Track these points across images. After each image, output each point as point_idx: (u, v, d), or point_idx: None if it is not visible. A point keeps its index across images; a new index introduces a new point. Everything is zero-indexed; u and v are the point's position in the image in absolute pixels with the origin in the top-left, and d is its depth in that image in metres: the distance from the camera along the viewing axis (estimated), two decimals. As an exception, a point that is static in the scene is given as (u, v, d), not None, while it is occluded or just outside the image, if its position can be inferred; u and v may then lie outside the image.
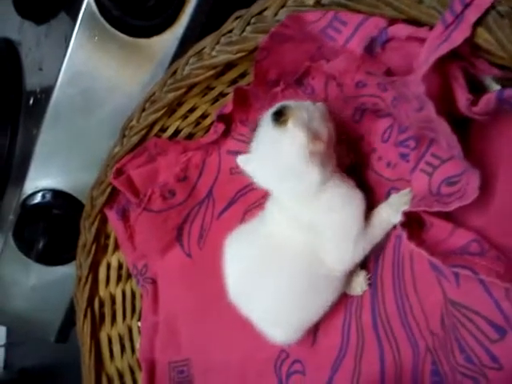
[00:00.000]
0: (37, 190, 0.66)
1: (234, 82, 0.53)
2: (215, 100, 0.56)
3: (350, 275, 0.48)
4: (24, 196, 0.66)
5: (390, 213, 0.44)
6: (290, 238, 0.46)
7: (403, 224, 0.40)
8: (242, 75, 0.52)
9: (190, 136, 0.60)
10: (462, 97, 0.35)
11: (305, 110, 0.43)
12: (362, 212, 0.44)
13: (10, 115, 0.70)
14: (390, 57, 0.39)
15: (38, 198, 0.66)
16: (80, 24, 0.59)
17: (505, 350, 0.37)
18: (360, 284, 0.48)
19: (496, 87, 0.35)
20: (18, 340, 0.90)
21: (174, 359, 0.63)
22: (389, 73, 0.39)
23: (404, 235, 0.39)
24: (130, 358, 0.65)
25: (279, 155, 0.44)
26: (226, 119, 0.56)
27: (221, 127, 0.56)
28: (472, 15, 0.32)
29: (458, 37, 0.32)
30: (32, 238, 0.66)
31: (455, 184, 0.39)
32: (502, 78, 0.36)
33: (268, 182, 0.47)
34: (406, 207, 0.43)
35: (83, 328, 0.63)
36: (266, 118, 0.45)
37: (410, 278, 0.43)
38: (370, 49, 0.39)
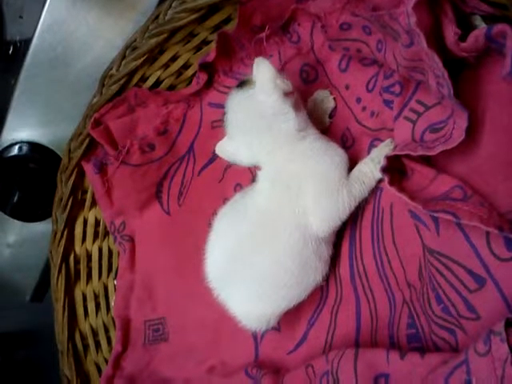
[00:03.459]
0: (13, 141, 0.64)
1: (217, 27, 0.51)
2: (198, 48, 0.54)
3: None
4: (0, 148, 0.64)
5: (373, 167, 0.43)
6: (279, 213, 0.44)
7: (384, 169, 0.38)
8: (226, 20, 0.51)
9: (171, 87, 0.58)
10: (451, 32, 0.34)
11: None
12: (343, 167, 0.43)
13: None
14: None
15: (14, 151, 0.64)
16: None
17: (483, 299, 0.36)
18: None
19: (483, 24, 0.34)
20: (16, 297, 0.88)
21: (150, 317, 0.61)
22: (376, 9, 0.37)
23: (385, 180, 0.37)
24: (104, 315, 0.64)
25: (254, 109, 0.44)
26: (209, 69, 0.54)
27: (203, 77, 0.54)
28: None
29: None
30: (7, 191, 0.64)
31: (440, 130, 0.38)
32: (491, 18, 0.34)
33: (248, 149, 0.46)
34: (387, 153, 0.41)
35: (57, 284, 0.62)
36: (232, 96, 0.46)
37: (389, 231, 0.42)
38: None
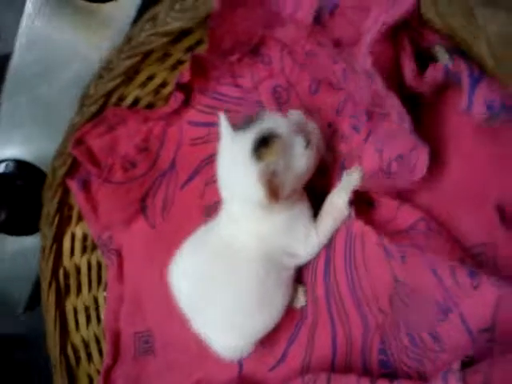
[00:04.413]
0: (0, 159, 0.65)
1: (190, 48, 0.51)
2: (173, 67, 0.54)
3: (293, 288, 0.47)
4: (-14, 166, 0.65)
5: (344, 197, 0.43)
6: (243, 244, 0.45)
7: (351, 202, 0.39)
8: (199, 42, 0.51)
9: (150, 106, 0.58)
10: (409, 68, 0.33)
11: (283, 149, 0.41)
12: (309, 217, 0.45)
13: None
14: (338, 25, 0.37)
15: (0, 169, 0.65)
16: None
17: (448, 330, 0.36)
18: (299, 297, 0.48)
19: (445, 56, 0.34)
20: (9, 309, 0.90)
21: (139, 330, 0.62)
22: (338, 43, 0.37)
23: (352, 214, 0.38)
24: (95, 327, 0.65)
25: (236, 169, 0.43)
26: (186, 88, 0.54)
27: (180, 96, 0.54)
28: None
29: (402, 7, 0.31)
30: (-6, 208, 0.65)
31: (404, 160, 0.38)
32: (450, 48, 0.34)
33: (224, 188, 0.45)
34: (355, 187, 0.42)
35: (48, 299, 0.63)
36: (243, 131, 0.43)
37: (361, 256, 0.43)
38: (318, 18, 0.37)
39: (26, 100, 0.62)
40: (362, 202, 0.40)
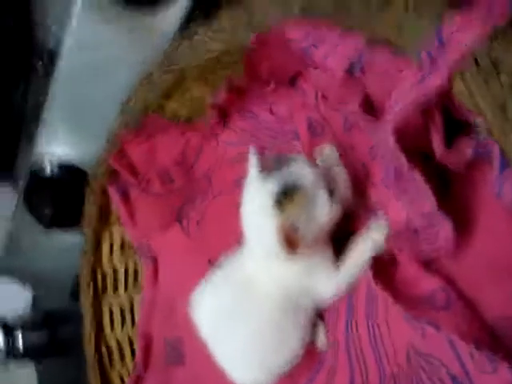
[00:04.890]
0: (45, 157, 0.66)
1: (228, 68, 0.49)
2: (211, 84, 0.52)
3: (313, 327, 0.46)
4: (32, 163, 0.66)
5: (368, 244, 0.41)
6: (263, 283, 0.44)
7: (371, 265, 0.37)
8: (236, 62, 0.48)
9: (188, 119, 0.57)
10: (437, 141, 0.31)
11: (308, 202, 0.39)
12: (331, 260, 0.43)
13: (22, 75, 0.70)
14: (370, 79, 0.34)
15: (45, 167, 0.66)
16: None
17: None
18: (321, 338, 0.47)
19: (482, 131, 0.31)
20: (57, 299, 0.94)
21: (170, 335, 0.63)
22: (367, 98, 0.35)
23: (371, 278, 0.36)
24: (129, 329, 0.66)
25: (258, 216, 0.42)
26: (222, 108, 0.53)
27: (216, 115, 0.53)
28: (449, 59, 0.27)
29: (432, 82, 0.28)
30: (40, 205, 0.67)
31: (431, 222, 0.36)
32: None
33: (245, 226, 0.44)
34: (382, 240, 0.40)
35: (86, 298, 0.65)
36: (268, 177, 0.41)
37: (383, 315, 0.41)
38: (350, 71, 0.34)
39: (70, 102, 0.63)
40: (384, 260, 0.38)
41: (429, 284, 0.37)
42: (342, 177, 0.43)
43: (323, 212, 0.40)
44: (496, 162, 0.29)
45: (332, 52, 0.35)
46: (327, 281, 0.44)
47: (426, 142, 0.33)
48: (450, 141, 0.33)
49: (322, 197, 0.40)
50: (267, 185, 0.40)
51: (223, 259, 0.49)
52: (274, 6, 0.40)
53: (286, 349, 0.45)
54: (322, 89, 0.40)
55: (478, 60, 0.28)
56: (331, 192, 0.41)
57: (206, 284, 0.49)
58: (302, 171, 0.40)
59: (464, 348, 0.33)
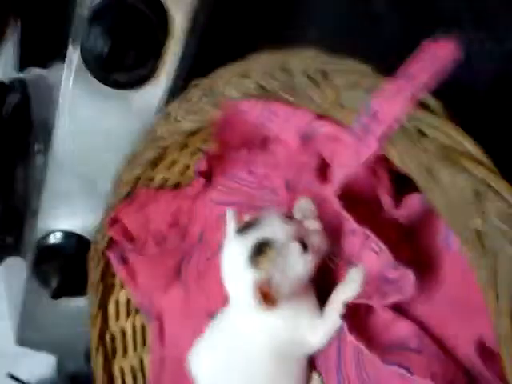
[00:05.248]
0: (49, 231, 0.71)
1: (206, 139, 0.53)
2: (193, 154, 0.57)
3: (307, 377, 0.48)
4: (38, 237, 0.71)
5: (347, 293, 0.43)
6: (252, 335, 0.47)
7: (344, 315, 0.39)
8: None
9: (177, 184, 0.61)
10: (386, 199, 0.34)
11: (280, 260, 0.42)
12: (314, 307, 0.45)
13: (23, 157, 0.75)
14: (322, 148, 0.38)
15: (50, 239, 0.70)
16: (70, 79, 0.61)
17: None
18: None
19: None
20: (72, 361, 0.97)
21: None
22: (323, 162, 0.38)
23: (345, 328, 0.39)
24: (141, 389, 0.69)
25: (235, 273, 0.45)
26: (206, 173, 0.57)
27: (200, 181, 0.57)
28: (378, 129, 0.31)
29: (366, 151, 0.31)
30: (48, 275, 0.71)
31: (399, 270, 0.38)
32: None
33: (226, 282, 0.48)
34: (358, 285, 0.42)
35: (96, 362, 0.68)
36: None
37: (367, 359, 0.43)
38: (303, 140, 0.38)
39: (68, 179, 0.67)
40: (358, 307, 0.41)
41: (401, 329, 0.39)
42: (315, 228, 0.45)
43: (297, 265, 0.43)
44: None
45: (286, 125, 0.39)
46: (313, 329, 0.46)
47: (375, 197, 0.36)
48: (400, 193, 0.36)
49: (295, 250, 0.42)
50: (241, 242, 0.43)
51: (217, 313, 0.52)
52: (235, 81, 0.44)
53: None
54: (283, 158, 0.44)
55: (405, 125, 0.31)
56: (304, 244, 0.43)
57: (202, 339, 0.52)
58: (273, 227, 0.43)
59: None
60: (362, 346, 0.38)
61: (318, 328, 0.46)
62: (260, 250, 0.42)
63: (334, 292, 0.46)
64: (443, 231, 0.32)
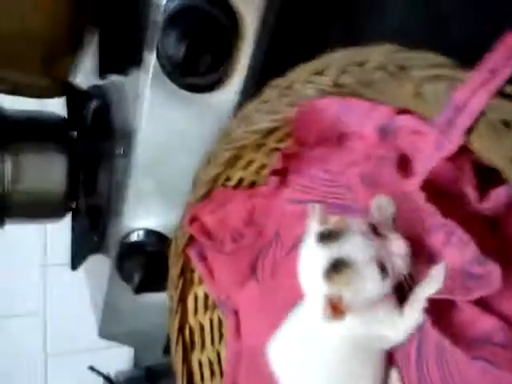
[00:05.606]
0: (132, 229, 0.75)
1: (281, 139, 0.55)
2: (269, 154, 0.58)
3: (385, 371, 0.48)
4: (121, 235, 0.75)
5: (427, 291, 0.43)
6: (328, 330, 0.47)
7: (427, 309, 0.39)
8: (289, 134, 0.54)
9: (253, 183, 0.63)
10: (470, 192, 0.34)
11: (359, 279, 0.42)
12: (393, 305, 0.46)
13: (104, 160, 0.79)
14: (403, 143, 0.38)
15: (133, 237, 0.74)
16: (150, 84, 0.64)
17: None
18: (394, 380, 0.49)
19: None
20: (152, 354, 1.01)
21: (257, 387, 0.67)
22: (404, 157, 0.39)
23: (428, 322, 0.39)
24: (218, 381, 0.71)
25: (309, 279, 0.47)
26: (282, 171, 0.58)
27: (275, 180, 0.58)
28: (464, 122, 0.31)
29: (451, 144, 0.31)
30: (131, 271, 0.75)
31: (484, 265, 0.38)
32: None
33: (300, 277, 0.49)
34: (440, 283, 0.42)
35: (176, 354, 0.71)
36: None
37: (451, 354, 0.43)
38: (383, 135, 0.38)
39: (149, 180, 0.71)
40: (441, 303, 0.41)
41: (485, 324, 0.38)
42: (400, 252, 0.44)
43: (373, 288, 0.43)
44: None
45: (365, 120, 0.39)
46: (392, 326, 0.46)
47: (458, 190, 0.36)
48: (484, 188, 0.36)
49: (373, 273, 0.42)
50: (321, 252, 0.44)
51: (293, 311, 0.54)
52: (311, 79, 0.46)
53: None
54: (362, 149, 0.44)
55: (489, 117, 0.32)
56: (384, 267, 0.42)
57: (280, 332, 0.53)
58: (356, 245, 0.43)
59: None
60: (446, 341, 0.38)
61: (397, 324, 0.46)
62: (337, 268, 0.42)
63: (415, 289, 0.46)
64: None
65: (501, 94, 0.31)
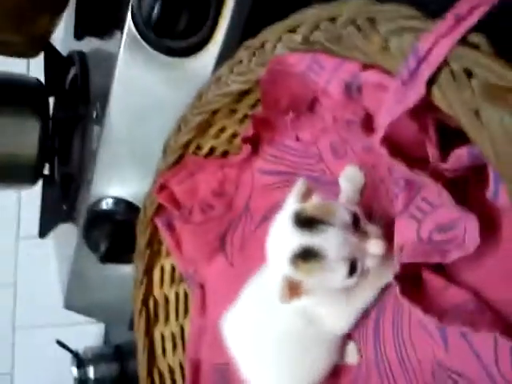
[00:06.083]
0: (101, 197, 0.73)
1: (254, 105, 0.54)
2: (241, 121, 0.57)
3: (341, 345, 0.48)
4: (90, 202, 0.73)
5: (380, 273, 0.43)
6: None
7: (397, 277, 0.38)
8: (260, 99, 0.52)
9: (225, 153, 0.62)
10: (432, 152, 0.33)
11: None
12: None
13: (80, 127, 0.77)
14: (368, 100, 0.37)
15: (102, 205, 0.72)
16: (123, 46, 0.62)
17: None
18: (351, 353, 0.48)
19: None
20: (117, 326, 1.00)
21: (218, 361, 0.66)
22: (368, 116, 0.37)
23: (397, 290, 0.38)
24: (181, 355, 0.70)
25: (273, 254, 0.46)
26: (254, 140, 0.57)
27: (248, 148, 0.57)
28: (426, 72, 0.30)
29: (413, 96, 0.30)
30: (97, 240, 0.73)
31: (448, 231, 0.37)
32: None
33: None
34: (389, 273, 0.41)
35: (138, 325, 0.69)
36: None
37: (408, 332, 0.42)
38: (348, 93, 0.37)
39: (120, 146, 0.69)
40: (408, 277, 0.39)
41: (457, 295, 0.37)
42: (376, 250, 0.41)
43: (336, 283, 0.42)
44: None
45: (332, 77, 0.38)
46: (337, 317, 0.46)
47: (422, 151, 0.35)
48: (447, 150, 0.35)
49: (341, 271, 0.40)
50: (292, 237, 0.42)
51: (253, 278, 0.52)
52: (283, 38, 0.44)
53: (310, 363, 0.47)
54: (331, 108, 0.43)
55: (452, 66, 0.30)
56: (354, 266, 0.41)
57: (235, 305, 0.52)
58: (330, 241, 0.40)
59: (489, 357, 0.34)
60: (416, 308, 0.36)
61: (341, 317, 0.46)
62: (306, 257, 0.41)
63: (364, 281, 0.44)
64: (492, 186, 0.31)
65: (465, 42, 0.30)
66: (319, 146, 0.51)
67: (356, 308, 0.45)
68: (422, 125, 0.33)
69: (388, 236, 0.44)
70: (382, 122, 0.32)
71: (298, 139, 0.54)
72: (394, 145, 0.33)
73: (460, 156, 0.32)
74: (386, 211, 0.46)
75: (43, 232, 0.84)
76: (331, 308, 0.45)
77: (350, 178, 0.49)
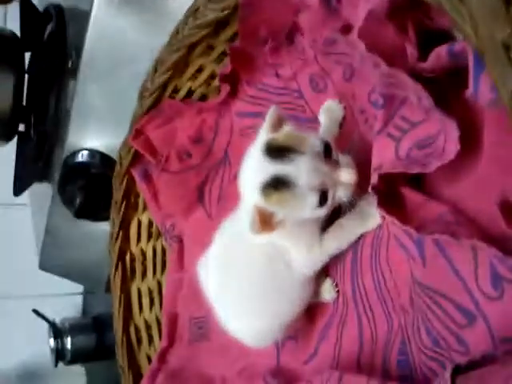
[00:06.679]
0: (76, 149, 0.70)
1: (231, 39, 0.52)
2: (219, 60, 0.55)
3: (317, 282, 0.47)
4: (65, 155, 0.71)
5: (358, 223, 0.42)
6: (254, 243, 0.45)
7: (375, 187, 0.37)
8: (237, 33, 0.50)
9: (204, 97, 0.60)
10: (411, 51, 0.31)
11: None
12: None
13: (57, 80, 0.75)
14: (347, 9, 0.35)
15: (77, 158, 0.70)
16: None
17: (473, 335, 0.34)
18: (328, 290, 0.47)
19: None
20: (94, 289, 0.97)
21: (195, 315, 0.64)
22: (348, 26, 0.36)
23: (375, 200, 0.36)
24: (157, 310, 0.68)
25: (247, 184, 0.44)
26: (232, 79, 0.55)
27: (226, 88, 0.55)
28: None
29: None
30: (72, 194, 0.71)
31: (426, 147, 0.35)
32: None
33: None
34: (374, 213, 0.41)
35: (114, 281, 0.67)
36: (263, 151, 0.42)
37: (385, 257, 0.41)
38: (327, 4, 0.35)
39: (96, 94, 0.67)
40: (388, 194, 0.38)
41: (435, 208, 0.36)
42: (348, 181, 0.40)
43: (307, 213, 0.40)
44: (470, 60, 0.28)
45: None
46: (306, 256, 0.45)
47: (400, 56, 0.33)
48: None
49: (311, 200, 0.39)
50: (263, 167, 0.41)
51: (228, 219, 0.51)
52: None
53: (284, 299, 0.46)
54: (311, 32, 0.41)
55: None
56: (325, 195, 0.40)
57: (209, 250, 0.50)
58: (301, 169, 0.39)
59: (469, 274, 0.33)
60: (393, 219, 0.35)
61: (310, 257, 0.45)
62: (277, 186, 0.39)
63: (341, 220, 0.44)
64: (472, 83, 0.29)
65: None
66: (299, 81, 0.49)
67: (327, 255, 0.44)
68: (401, 25, 0.31)
69: (366, 166, 0.43)
70: (361, 14, 0.31)
71: (277, 75, 0.52)
72: (373, 45, 0.32)
73: (439, 54, 0.30)
74: (365, 140, 0.44)
75: (18, 190, 0.81)
76: (301, 248, 0.44)
77: (329, 112, 0.47)
